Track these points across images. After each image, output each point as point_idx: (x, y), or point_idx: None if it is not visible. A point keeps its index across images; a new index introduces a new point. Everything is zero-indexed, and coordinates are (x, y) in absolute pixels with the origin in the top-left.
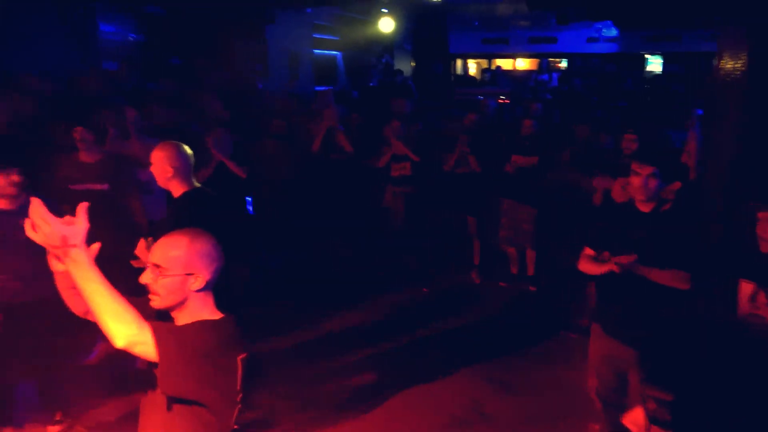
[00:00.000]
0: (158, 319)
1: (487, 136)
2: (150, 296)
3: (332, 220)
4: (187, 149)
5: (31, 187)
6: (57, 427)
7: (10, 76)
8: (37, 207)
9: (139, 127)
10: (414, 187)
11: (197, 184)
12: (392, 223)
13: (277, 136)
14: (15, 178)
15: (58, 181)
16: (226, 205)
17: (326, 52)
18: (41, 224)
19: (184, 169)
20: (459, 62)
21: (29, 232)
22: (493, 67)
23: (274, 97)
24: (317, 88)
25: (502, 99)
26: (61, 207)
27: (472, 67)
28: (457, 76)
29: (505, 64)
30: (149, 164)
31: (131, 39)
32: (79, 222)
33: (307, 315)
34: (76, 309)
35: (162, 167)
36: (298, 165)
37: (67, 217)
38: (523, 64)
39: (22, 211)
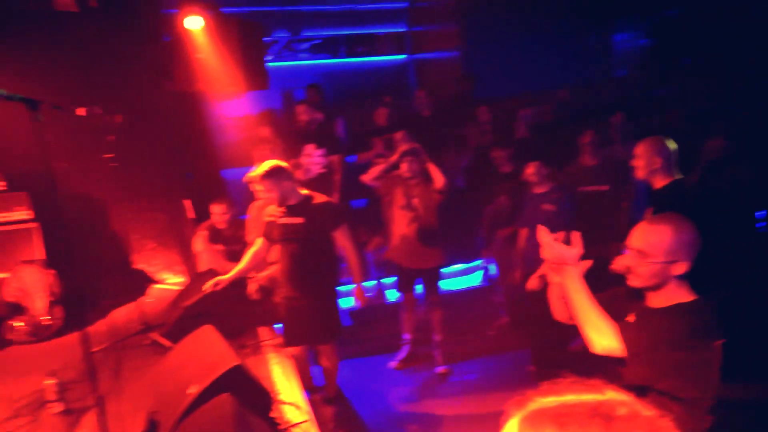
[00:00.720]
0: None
1: None
2: (629, 276)
3: None
4: (672, 144)
5: (550, 177)
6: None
7: (536, 92)
8: (544, 232)
9: (625, 131)
10: None
11: (679, 176)
12: None
13: None
14: (537, 168)
15: (565, 182)
16: (717, 205)
17: None
18: (548, 246)
19: (668, 161)
20: None
21: (542, 252)
22: None
23: None
24: None
25: None
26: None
27: None
28: None
29: None
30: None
31: (642, 44)
32: (575, 247)
33: None
34: (559, 315)
35: (650, 158)
36: None
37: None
38: None
39: (547, 197)
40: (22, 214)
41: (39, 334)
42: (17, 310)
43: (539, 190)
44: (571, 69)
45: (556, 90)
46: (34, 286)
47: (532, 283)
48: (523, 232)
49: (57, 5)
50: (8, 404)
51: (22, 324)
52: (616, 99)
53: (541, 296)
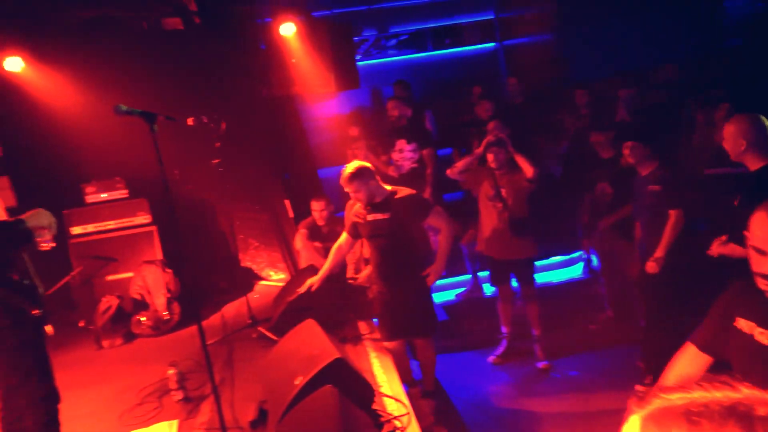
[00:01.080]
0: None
1: None
2: (760, 280)
3: None
4: (766, 121)
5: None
6: (644, 389)
7: (637, 71)
8: None
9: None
10: None
11: None
12: None
13: None
14: (632, 148)
15: (690, 164)
16: None
17: None
18: None
19: (759, 141)
20: None
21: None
22: None
23: None
24: None
25: None
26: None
27: None
28: None
29: None
30: None
31: (760, 9)
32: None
33: None
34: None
35: (735, 140)
36: None
37: None
38: None
39: (651, 177)
40: (143, 218)
41: (160, 328)
42: (141, 306)
43: (644, 172)
44: (678, 41)
45: (662, 65)
46: (155, 284)
47: (651, 267)
48: (638, 224)
49: (166, 26)
50: (136, 392)
51: (145, 319)
52: (730, 72)
53: (650, 286)
